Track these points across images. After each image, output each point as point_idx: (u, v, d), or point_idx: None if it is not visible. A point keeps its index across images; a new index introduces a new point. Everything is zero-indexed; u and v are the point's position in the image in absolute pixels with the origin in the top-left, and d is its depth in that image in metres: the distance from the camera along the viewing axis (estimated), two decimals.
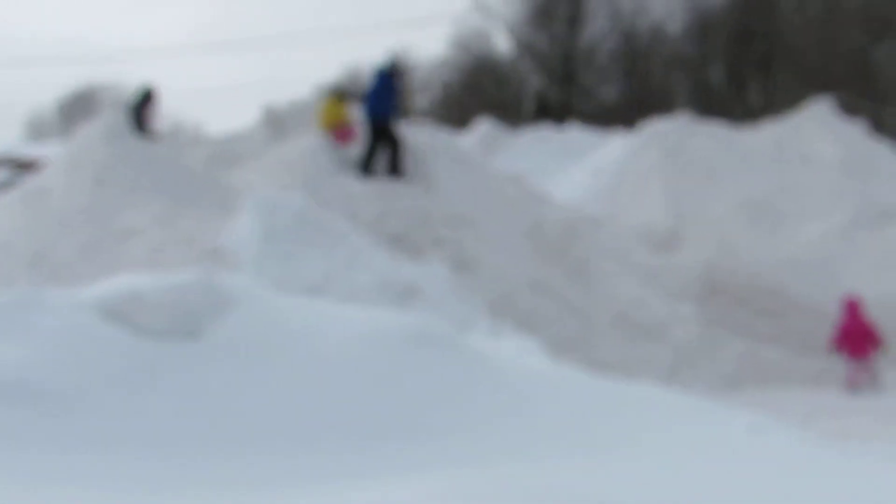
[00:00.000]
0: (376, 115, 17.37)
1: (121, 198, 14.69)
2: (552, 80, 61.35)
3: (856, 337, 16.33)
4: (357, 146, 18.00)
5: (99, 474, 6.06)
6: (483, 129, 31.37)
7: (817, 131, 21.41)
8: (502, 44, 64.11)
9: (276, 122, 19.87)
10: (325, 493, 5.60)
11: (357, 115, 18.18)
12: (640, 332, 16.58)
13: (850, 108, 29.19)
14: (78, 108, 61.14)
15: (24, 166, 30.07)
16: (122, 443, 6.52)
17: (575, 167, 23.81)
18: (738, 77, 54.82)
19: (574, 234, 17.98)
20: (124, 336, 7.42)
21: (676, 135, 21.48)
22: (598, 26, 60.52)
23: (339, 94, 19.06)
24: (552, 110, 56.59)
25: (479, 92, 61.74)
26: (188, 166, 17.11)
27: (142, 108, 19.00)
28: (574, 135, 31.90)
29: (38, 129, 64.48)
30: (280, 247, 13.08)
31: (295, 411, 7.10)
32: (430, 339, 8.12)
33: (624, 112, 53.59)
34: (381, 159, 17.44)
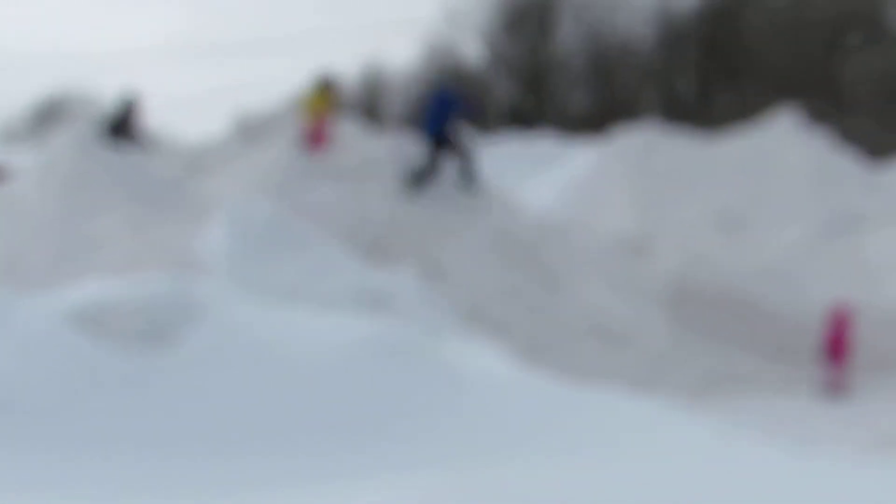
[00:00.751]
0: (435, 130, 17.72)
1: (93, 205, 14.66)
2: (523, 89, 61.48)
3: (842, 345, 16.58)
4: (330, 152, 18.05)
5: (71, 479, 6.09)
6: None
7: (784, 141, 21.56)
8: (473, 52, 64.15)
9: (249, 130, 19.86)
10: (291, 495, 5.64)
11: (341, 104, 18.26)
12: (610, 340, 16.66)
13: (816, 117, 29.40)
14: (49, 114, 60.82)
15: None
16: (93, 449, 6.54)
17: (545, 175, 23.90)
18: (706, 87, 55.08)
19: (545, 242, 18.05)
20: (95, 344, 7.44)
21: (646, 144, 21.59)
22: (568, 36, 60.71)
23: (327, 83, 18.66)
24: (522, 119, 56.70)
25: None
26: (160, 174, 17.09)
27: (125, 118, 18.69)
28: (544, 144, 31.98)
29: (11, 135, 64.04)
30: (252, 255, 13.09)
31: (264, 418, 7.15)
32: (399, 347, 8.17)
33: (594, 121, 53.78)
34: (446, 171, 17.54)
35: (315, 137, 18.31)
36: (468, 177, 17.82)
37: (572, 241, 19.04)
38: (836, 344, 16.67)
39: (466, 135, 18.09)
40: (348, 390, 7.58)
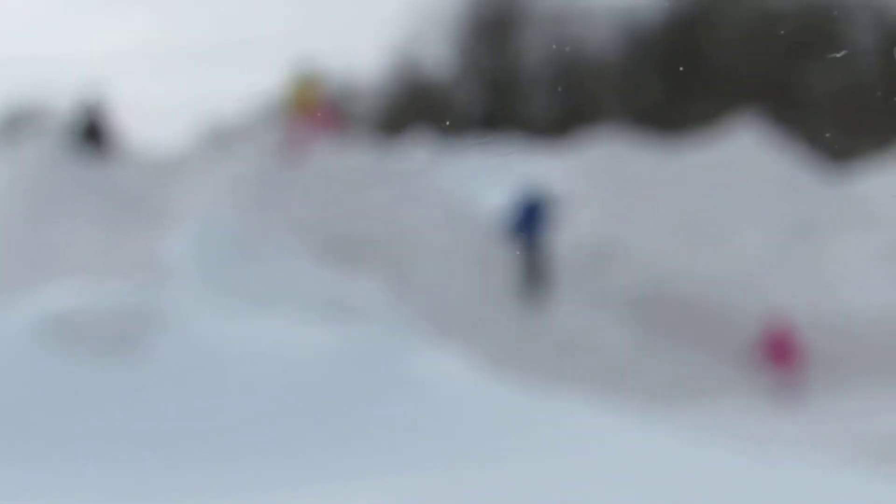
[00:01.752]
0: (528, 234, 18.00)
1: (59, 214, 14.63)
2: (490, 97, 61.54)
3: (787, 351, 16.78)
4: (313, 155, 17.92)
5: (31, 488, 6.12)
6: (421, 144, 31.39)
7: (747, 149, 21.70)
8: (441, 59, 64.22)
9: (219, 139, 19.85)
10: (250, 499, 5.72)
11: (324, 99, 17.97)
12: (575, 346, 16.75)
13: (778, 126, 29.59)
14: (18, 121, 60.26)
15: None
16: (58, 455, 6.58)
17: (511, 182, 23.96)
18: (671, 95, 55.34)
19: (510, 249, 18.11)
20: (60, 353, 7.47)
21: (611, 152, 21.69)
22: (536, 44, 60.84)
23: (308, 76, 18.20)
24: (488, 124, 56.74)
25: (418, 107, 61.77)
26: (128, 183, 17.02)
27: (94, 122, 17.77)
28: (510, 149, 31.97)
29: None
30: (219, 263, 13.10)
31: (228, 424, 7.20)
32: (365, 355, 8.25)
33: (560, 128, 53.85)
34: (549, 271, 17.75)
35: (297, 140, 17.94)
36: (538, 285, 17.86)
37: None
38: (780, 349, 16.83)
39: (549, 243, 18.26)
40: (312, 397, 7.65)
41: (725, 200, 20.76)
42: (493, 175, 26.28)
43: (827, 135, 45.17)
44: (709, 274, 18.97)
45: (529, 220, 18.29)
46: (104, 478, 6.37)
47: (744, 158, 21.56)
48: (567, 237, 19.99)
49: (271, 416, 7.35)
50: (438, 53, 65.16)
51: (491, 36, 60.62)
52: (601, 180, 21.05)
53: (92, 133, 17.63)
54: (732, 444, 8.07)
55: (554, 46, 59.57)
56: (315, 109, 18.05)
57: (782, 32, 49.88)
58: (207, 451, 6.85)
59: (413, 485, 6.10)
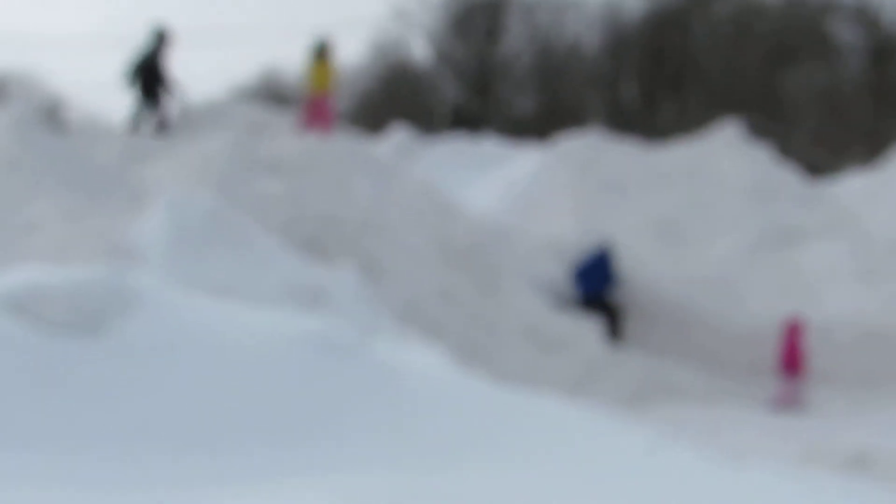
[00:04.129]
0: (593, 291, 18.31)
1: (27, 191, 14.44)
2: (468, 91, 61.55)
3: (797, 358, 16.66)
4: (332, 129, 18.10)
5: None
6: (398, 136, 31.35)
7: (726, 152, 21.71)
8: (420, 52, 64.16)
9: (191, 120, 19.64)
10: (219, 495, 5.57)
11: (339, 75, 18.19)
12: (546, 345, 16.68)
13: (757, 131, 29.61)
14: None
15: None
16: (18, 440, 6.42)
17: (488, 178, 23.90)
18: (650, 96, 55.49)
19: (484, 246, 18.06)
20: (24, 330, 7.30)
21: (589, 150, 21.66)
22: (515, 39, 60.88)
23: (322, 51, 18.32)
24: (468, 120, 56.76)
25: (396, 99, 61.76)
26: (98, 161, 16.87)
27: (157, 52, 17.82)
28: (488, 146, 31.98)
29: None
30: (189, 247, 12.95)
31: (195, 412, 7.05)
32: (335, 345, 8.10)
33: (538, 125, 53.94)
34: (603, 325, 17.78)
35: (317, 113, 18.05)
36: (617, 334, 18.10)
37: (512, 246, 19.05)
38: (791, 357, 16.70)
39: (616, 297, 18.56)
40: (284, 385, 7.50)
41: (703, 202, 20.76)
42: (471, 170, 26.24)
43: (805, 140, 45.29)
44: (684, 276, 18.95)
45: (594, 277, 18.56)
46: (58, 463, 6.20)
47: (722, 160, 21.57)
48: (543, 232, 19.93)
49: (239, 405, 7.18)
50: (419, 49, 65.11)
51: (471, 29, 60.61)
52: (579, 177, 21.01)
53: (151, 66, 17.64)
54: (708, 450, 7.98)
55: (533, 40, 59.65)
56: (332, 85, 18.30)
57: (763, 36, 50.06)
58: (169, 442, 6.68)
59: (389, 479, 5.95)
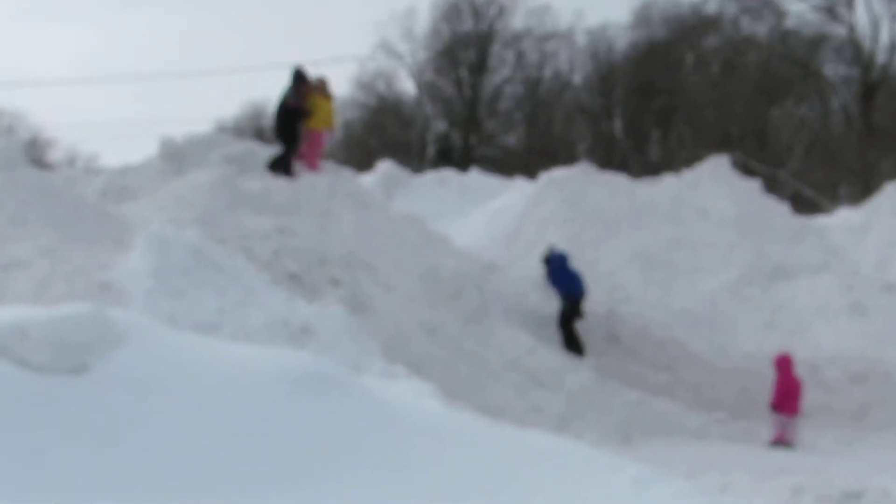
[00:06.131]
0: (578, 291, 18.21)
1: (7, 228, 14.32)
2: (455, 125, 61.65)
3: (793, 394, 16.40)
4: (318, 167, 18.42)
5: None
6: (384, 170, 31.36)
7: (714, 187, 21.73)
8: (406, 86, 64.31)
9: (173, 156, 19.58)
10: None
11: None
12: (532, 380, 16.60)
13: (745, 167, 29.71)
14: None
15: None
16: (2, 484, 6.33)
17: (474, 212, 23.89)
18: (638, 130, 55.64)
19: (470, 280, 18.00)
20: (7, 370, 7.21)
21: (576, 184, 21.65)
22: (502, 73, 61.05)
23: (322, 86, 18.98)
24: (454, 154, 56.83)
25: (382, 133, 61.83)
26: (80, 198, 16.78)
27: (296, 89, 18.54)
28: (475, 180, 32.03)
29: None
30: (173, 283, 12.87)
31: (181, 450, 6.96)
32: (323, 380, 8.03)
33: (525, 159, 54.02)
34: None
35: (311, 147, 18.53)
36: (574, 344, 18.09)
37: (498, 280, 19.00)
38: (785, 393, 16.43)
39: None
40: (274, 421, 7.41)
41: (690, 237, 20.75)
42: (458, 203, 26.21)
43: (792, 176, 45.42)
44: (671, 310, 18.90)
45: (563, 274, 18.47)
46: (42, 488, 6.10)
47: (710, 195, 21.58)
48: (530, 267, 19.90)
49: (229, 442, 7.09)
50: (404, 82, 65.22)
51: (457, 65, 60.71)
52: (566, 211, 20.99)
53: (293, 102, 18.34)
54: (696, 486, 7.92)
55: (521, 75, 59.77)
56: (329, 119, 18.78)
57: (753, 70, 50.25)
58: (158, 481, 6.59)
59: None
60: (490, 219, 21.83)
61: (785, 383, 16.40)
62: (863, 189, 40.35)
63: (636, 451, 14.19)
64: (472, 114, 60.02)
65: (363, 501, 6.62)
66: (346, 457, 7.29)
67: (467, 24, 60.19)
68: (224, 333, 12.05)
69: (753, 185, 22.20)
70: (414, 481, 7.09)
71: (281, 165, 18.46)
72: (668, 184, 22.09)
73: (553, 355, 17.09)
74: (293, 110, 18.38)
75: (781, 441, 16.14)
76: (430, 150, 61.18)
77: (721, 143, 45.31)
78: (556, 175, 22.28)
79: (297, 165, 18.68)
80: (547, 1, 76.21)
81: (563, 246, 20.09)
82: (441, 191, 30.53)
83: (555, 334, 18.19)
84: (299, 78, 18.62)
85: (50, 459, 6.61)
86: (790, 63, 50.67)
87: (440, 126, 62.59)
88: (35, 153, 17.35)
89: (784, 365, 16.57)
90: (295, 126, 18.37)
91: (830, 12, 50.43)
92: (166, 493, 6.48)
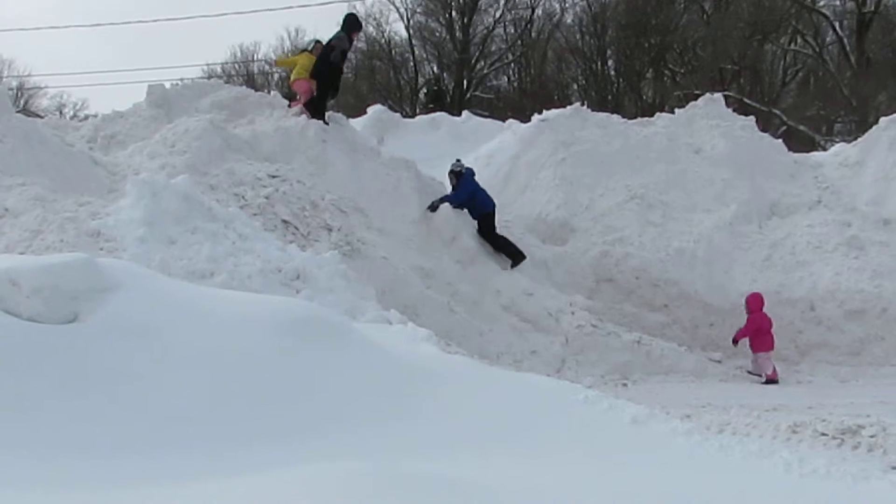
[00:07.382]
0: (483, 208, 18.17)
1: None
2: (446, 67, 61.36)
3: (765, 330, 16.80)
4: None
5: None
6: (375, 114, 31.21)
7: (708, 125, 21.63)
8: (397, 28, 63.94)
9: (162, 103, 19.42)
10: (201, 489, 5.43)
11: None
12: (529, 323, 16.59)
13: (740, 105, 29.53)
14: None
15: None
16: None
17: (467, 155, 23.77)
18: (631, 70, 55.38)
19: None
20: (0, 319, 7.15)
21: (569, 125, 21.53)
22: (493, 14, 60.71)
23: (313, 48, 19.53)
24: (446, 98, 56.58)
25: (372, 77, 61.54)
26: (70, 146, 16.66)
27: (347, 35, 18.90)
28: (467, 123, 31.90)
29: None
30: (164, 231, 12.78)
31: (177, 397, 6.91)
32: (318, 326, 7.98)
33: (518, 102, 53.81)
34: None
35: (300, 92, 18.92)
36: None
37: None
38: (758, 330, 16.84)
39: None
40: (271, 369, 7.36)
41: (684, 176, 20.68)
42: (450, 147, 26.11)
43: (786, 114, 45.24)
44: (666, 249, 18.87)
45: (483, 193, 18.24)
46: (41, 462, 6.04)
47: (704, 134, 21.49)
48: (524, 208, 19.83)
49: (226, 390, 7.04)
50: (396, 25, 64.70)
51: (449, 7, 60.31)
52: (560, 152, 20.89)
53: (333, 65, 18.57)
54: (694, 424, 7.91)
55: (513, 17, 59.44)
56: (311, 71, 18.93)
57: (745, 8, 49.94)
58: (155, 430, 6.54)
59: (385, 466, 5.81)
60: (483, 162, 21.70)
61: (756, 321, 16.77)
62: (858, 124, 40.23)
63: (634, 392, 14.22)
64: (463, 56, 59.70)
65: (365, 448, 6.58)
66: (345, 404, 7.25)
67: None
68: (217, 280, 11.98)
69: (748, 123, 22.08)
70: (414, 427, 7.07)
71: (312, 109, 18.70)
72: (662, 123, 21.96)
73: (550, 298, 17.06)
74: (330, 63, 18.61)
75: (774, 379, 16.30)
76: (422, 94, 60.90)
77: (715, 81, 45.13)
78: (550, 116, 22.14)
79: (297, 110, 18.91)
80: None
81: (556, 187, 20.00)
82: (433, 134, 30.40)
83: (552, 276, 18.17)
84: (352, 24, 19.15)
85: (44, 409, 6.55)
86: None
87: (432, 69, 62.30)
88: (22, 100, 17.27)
89: (755, 303, 16.96)
90: (329, 74, 18.65)
91: None
92: (163, 443, 6.43)
